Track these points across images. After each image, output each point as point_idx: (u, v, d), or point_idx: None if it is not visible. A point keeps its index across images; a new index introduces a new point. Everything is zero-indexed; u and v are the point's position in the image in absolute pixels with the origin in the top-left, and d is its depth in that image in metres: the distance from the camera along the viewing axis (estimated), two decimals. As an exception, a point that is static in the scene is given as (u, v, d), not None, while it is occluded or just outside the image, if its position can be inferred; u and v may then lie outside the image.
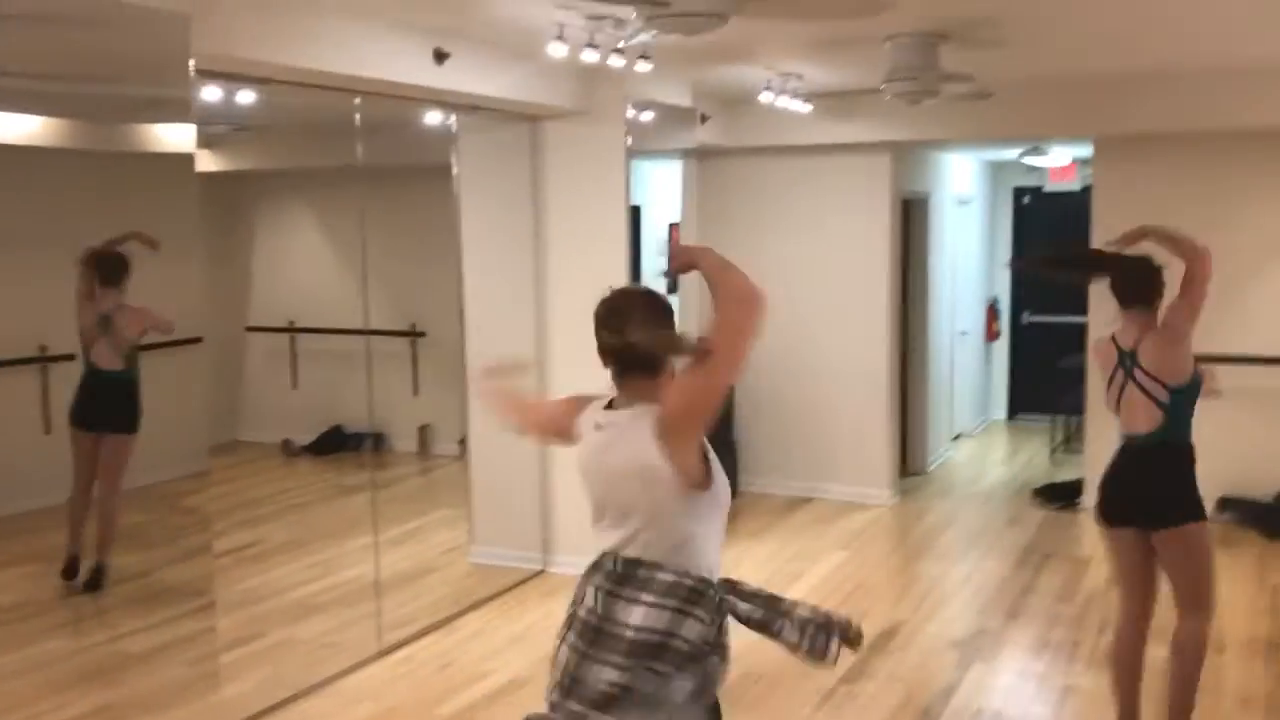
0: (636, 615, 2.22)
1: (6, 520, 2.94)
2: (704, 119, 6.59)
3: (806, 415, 7.46)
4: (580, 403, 2.53)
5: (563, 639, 2.35)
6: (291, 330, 7.92)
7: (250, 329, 8.00)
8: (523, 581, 5.78)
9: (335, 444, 8.22)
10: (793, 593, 5.49)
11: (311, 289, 7.96)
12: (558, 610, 5.13)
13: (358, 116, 4.81)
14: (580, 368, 5.75)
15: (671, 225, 9.20)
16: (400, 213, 7.24)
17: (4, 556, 2.96)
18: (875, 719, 4.21)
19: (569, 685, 2.25)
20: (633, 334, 2.33)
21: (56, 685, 4.17)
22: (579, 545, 5.74)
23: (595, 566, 2.38)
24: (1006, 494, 7.77)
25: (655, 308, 2.42)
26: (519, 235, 5.91)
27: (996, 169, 10.13)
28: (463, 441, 7.42)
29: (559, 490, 5.91)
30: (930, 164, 8.28)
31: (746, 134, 7.03)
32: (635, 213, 6.75)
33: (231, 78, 3.69)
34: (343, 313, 7.93)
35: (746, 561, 6.11)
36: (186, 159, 3.42)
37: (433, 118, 5.54)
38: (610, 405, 2.44)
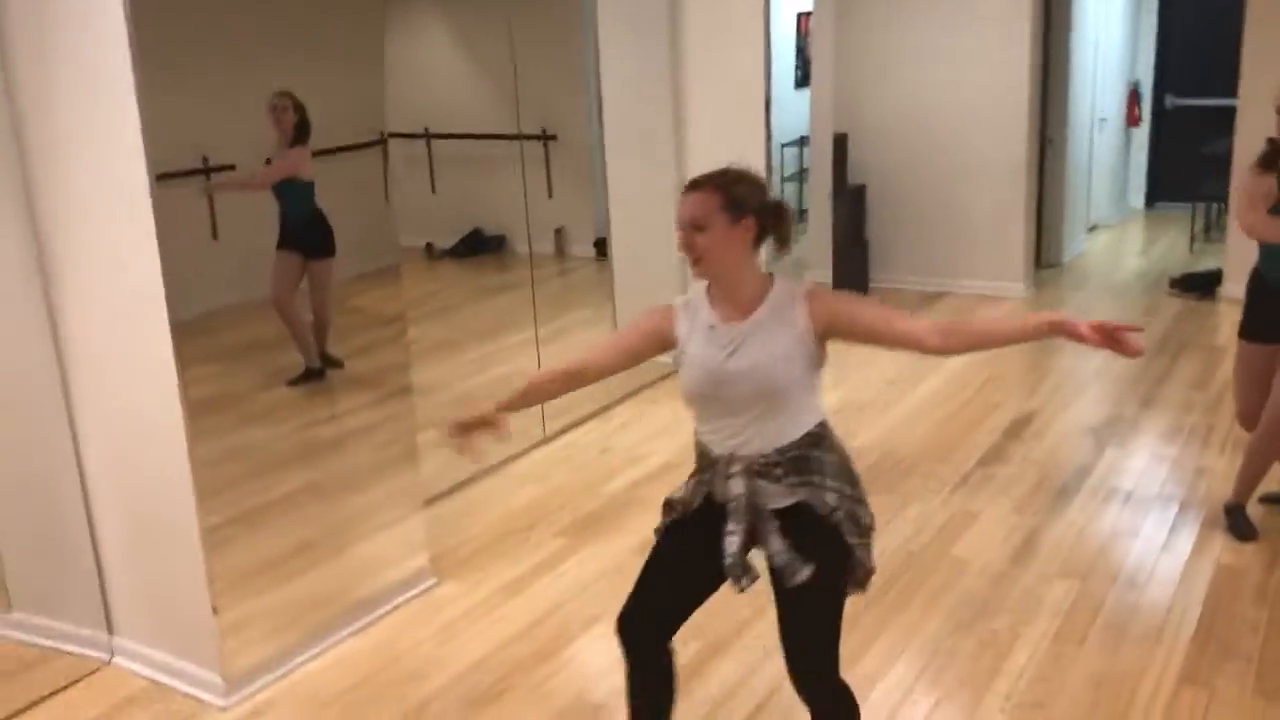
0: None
1: (187, 323, 3.27)
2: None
3: (940, 208, 7.47)
4: (666, 312, 2.48)
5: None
6: (428, 136, 8.14)
7: (390, 135, 8.26)
8: (665, 377, 6.09)
9: (475, 247, 8.56)
10: (925, 387, 5.71)
11: (445, 94, 8.12)
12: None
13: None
14: (715, 153, 5.90)
15: (801, 15, 9.02)
16: (530, 16, 7.29)
17: (193, 356, 3.30)
18: (1012, 499, 4.44)
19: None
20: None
21: (262, 468, 4.67)
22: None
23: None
24: (1144, 284, 7.73)
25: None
26: (654, 34, 5.94)
27: (1145, -55, 9.58)
28: (598, 244, 7.67)
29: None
30: (1075, -58, 7.91)
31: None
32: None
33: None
34: (477, 118, 8.12)
35: (880, 359, 6.29)
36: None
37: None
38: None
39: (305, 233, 4.71)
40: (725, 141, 5.90)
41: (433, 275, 8.49)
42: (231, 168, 3.49)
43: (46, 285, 3.22)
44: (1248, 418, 4.06)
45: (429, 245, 8.54)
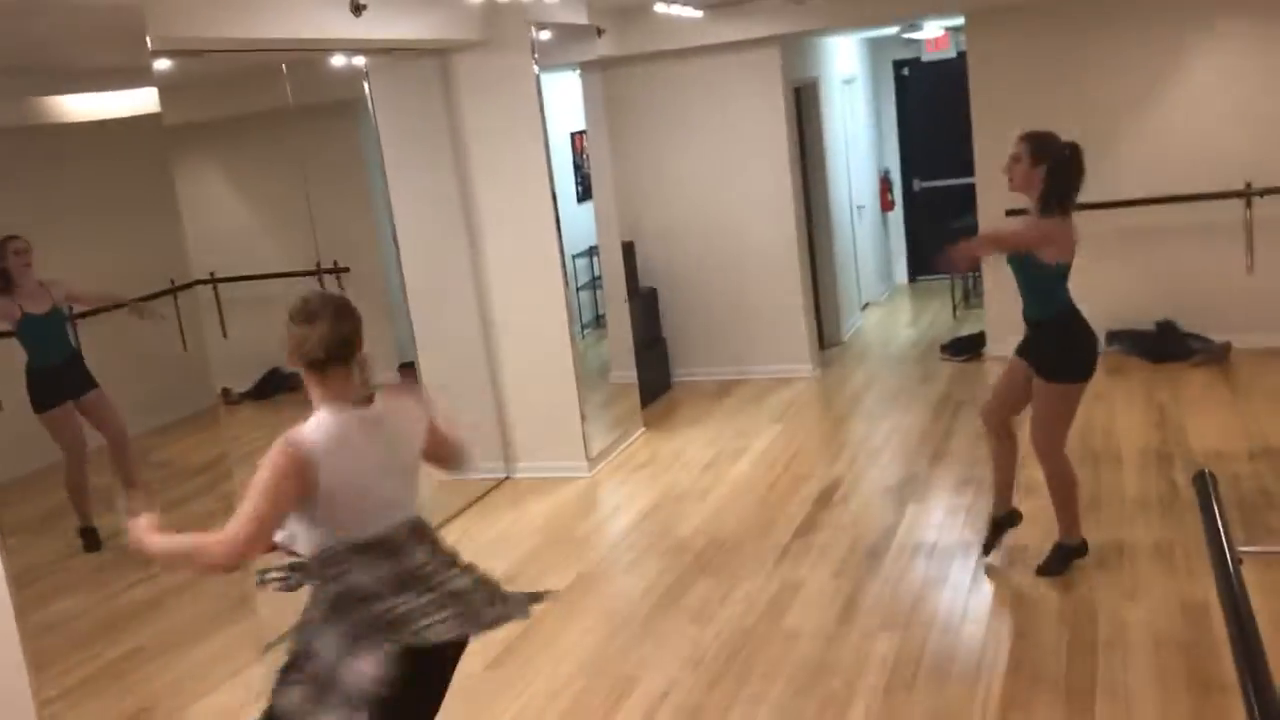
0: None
1: None
2: (601, 32, 6.84)
3: (727, 303, 7.92)
4: (302, 456, 2.45)
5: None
6: (214, 280, 8.07)
7: (178, 287, 8.16)
8: (490, 490, 6.19)
9: (274, 386, 8.46)
10: (737, 469, 6.03)
11: (228, 236, 8.08)
12: (529, 510, 5.48)
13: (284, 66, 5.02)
14: (515, 288, 6.11)
15: (574, 134, 9.46)
16: (313, 153, 7.39)
17: None
18: (830, 564, 4.74)
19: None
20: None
21: (85, 637, 4.50)
22: (536, 450, 6.15)
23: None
24: (917, 352, 8.37)
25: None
26: (441, 164, 6.16)
27: (876, 45, 10.54)
28: (402, 368, 7.74)
29: (512, 400, 6.31)
30: (815, 50, 8.65)
31: (643, 41, 7.31)
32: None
33: (182, 53, 3.92)
34: (264, 257, 8.11)
35: (692, 447, 6.60)
36: (155, 118, 3.69)
37: (338, 60, 5.71)
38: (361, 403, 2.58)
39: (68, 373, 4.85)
40: (521, 258, 6.16)
41: (234, 420, 8.34)
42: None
43: None
44: (986, 415, 4.54)
45: (225, 390, 8.39)
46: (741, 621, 4.30)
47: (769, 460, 6.20)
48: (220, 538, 2.41)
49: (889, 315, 9.90)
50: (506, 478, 6.36)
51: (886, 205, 10.72)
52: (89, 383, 5.33)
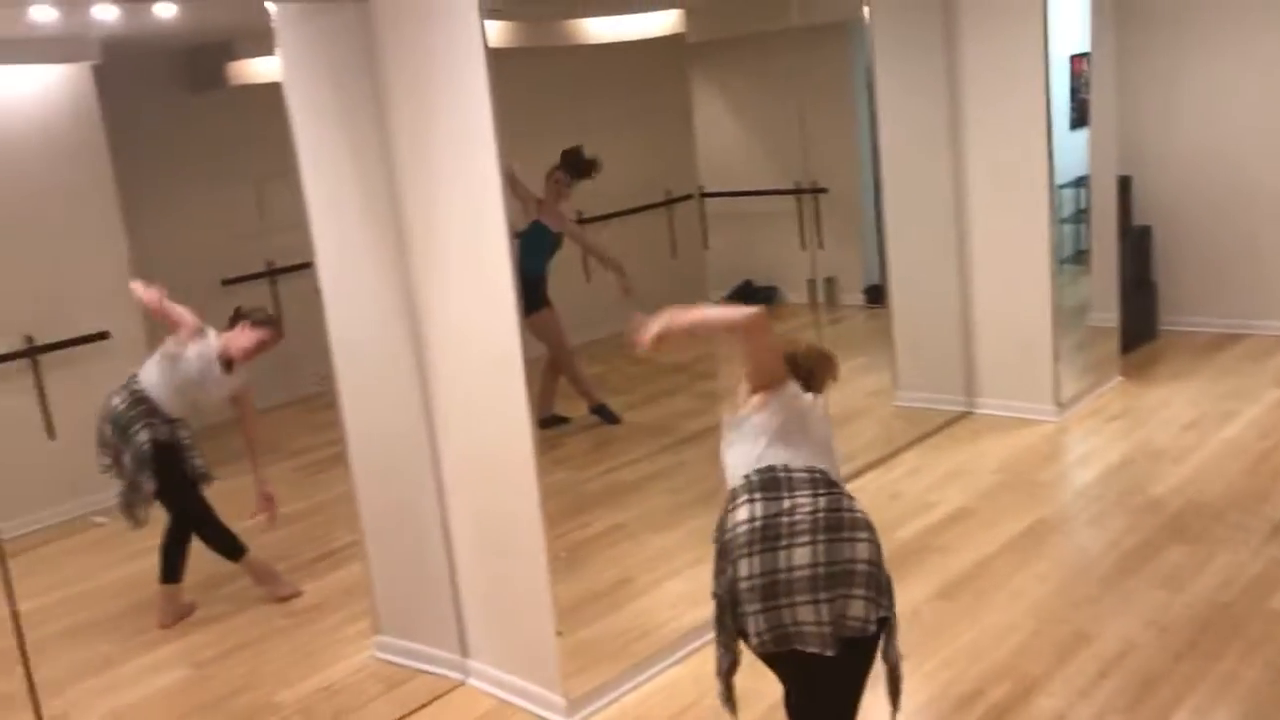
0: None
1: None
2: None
3: (1234, 248, 7.19)
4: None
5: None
6: (701, 195, 8.54)
7: (672, 200, 8.74)
8: (949, 423, 6.16)
9: (746, 298, 8.87)
10: (1226, 433, 5.54)
11: (714, 153, 8.51)
12: (989, 449, 5.47)
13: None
14: (995, 217, 5.95)
15: (1074, 57, 8.91)
16: (801, 77, 7.56)
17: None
18: (1331, 550, 4.28)
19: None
20: None
21: (574, 508, 5.09)
22: (1002, 388, 6.05)
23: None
24: None
25: None
26: (933, 86, 6.08)
27: None
28: (868, 291, 7.80)
29: (981, 334, 6.20)
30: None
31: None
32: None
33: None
34: (744, 175, 8.45)
35: (1174, 402, 6.14)
36: (678, 39, 4.00)
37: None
38: None
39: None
40: (1005, 186, 5.97)
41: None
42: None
43: (416, 327, 3.69)
44: None
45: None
46: (1218, 595, 4.02)
47: (1265, 427, 5.63)
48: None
49: None
50: (967, 412, 6.28)
51: None
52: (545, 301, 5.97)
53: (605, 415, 6.20)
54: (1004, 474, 5.38)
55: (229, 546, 4.65)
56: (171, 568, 4.59)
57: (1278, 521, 4.56)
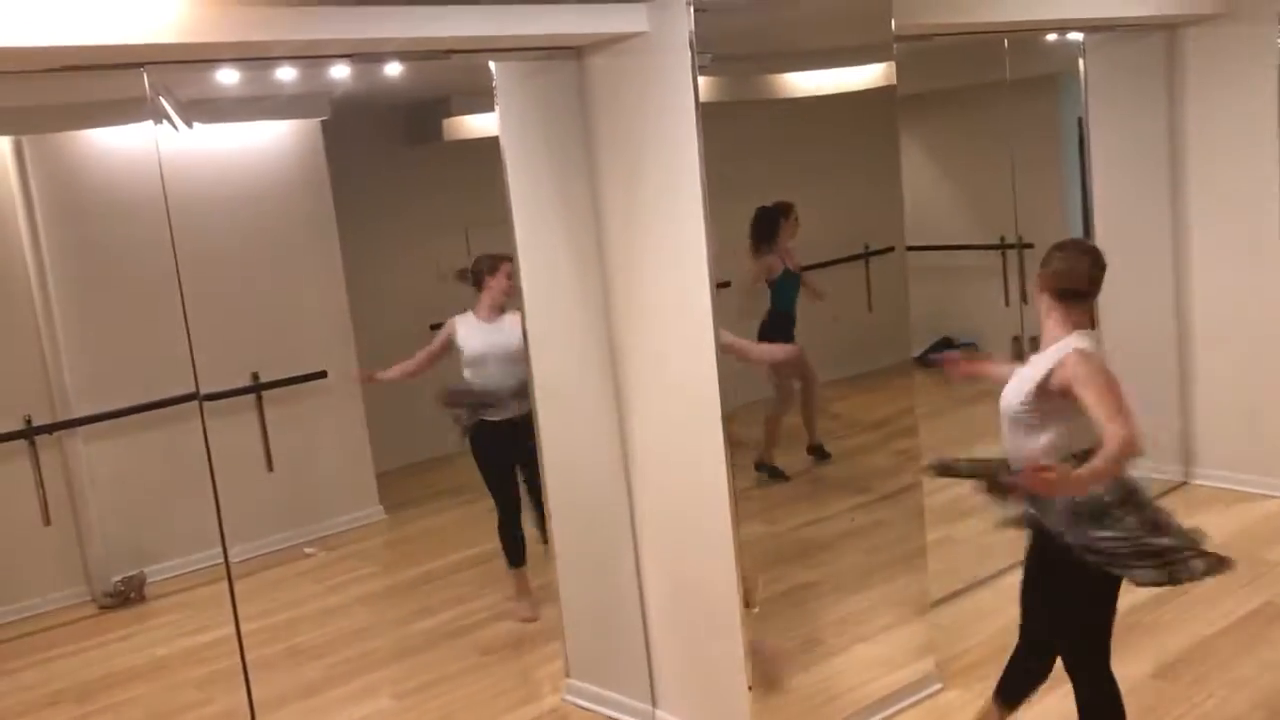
0: None
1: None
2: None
3: None
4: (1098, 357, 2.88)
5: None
6: (904, 249, 8.40)
7: (871, 253, 8.64)
8: (1164, 493, 5.82)
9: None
10: None
11: (919, 207, 8.36)
12: (1209, 522, 5.15)
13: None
14: (1223, 275, 5.63)
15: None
16: (1001, 129, 7.35)
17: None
18: None
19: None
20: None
21: (766, 560, 5.02)
22: (1225, 458, 5.68)
23: None
24: None
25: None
26: (1153, 141, 5.83)
27: None
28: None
29: (1201, 399, 5.86)
30: None
31: None
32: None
33: (917, 37, 4.19)
34: (948, 229, 8.27)
35: None
36: (889, 90, 3.99)
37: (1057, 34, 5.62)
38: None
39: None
40: (1233, 246, 5.64)
41: (905, 381, 8.67)
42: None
43: (617, 375, 3.74)
44: None
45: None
46: None
47: None
48: (1116, 436, 2.67)
49: None
50: (1184, 482, 5.91)
51: None
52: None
53: (819, 455, 6.18)
54: (1228, 551, 5.02)
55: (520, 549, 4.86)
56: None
57: None
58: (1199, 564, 2.92)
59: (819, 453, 6.21)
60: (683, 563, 3.69)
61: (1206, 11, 5.34)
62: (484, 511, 6.10)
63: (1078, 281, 2.92)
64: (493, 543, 5.37)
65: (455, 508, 5.12)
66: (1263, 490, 5.65)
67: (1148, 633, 4.29)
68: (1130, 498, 2.87)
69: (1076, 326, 2.92)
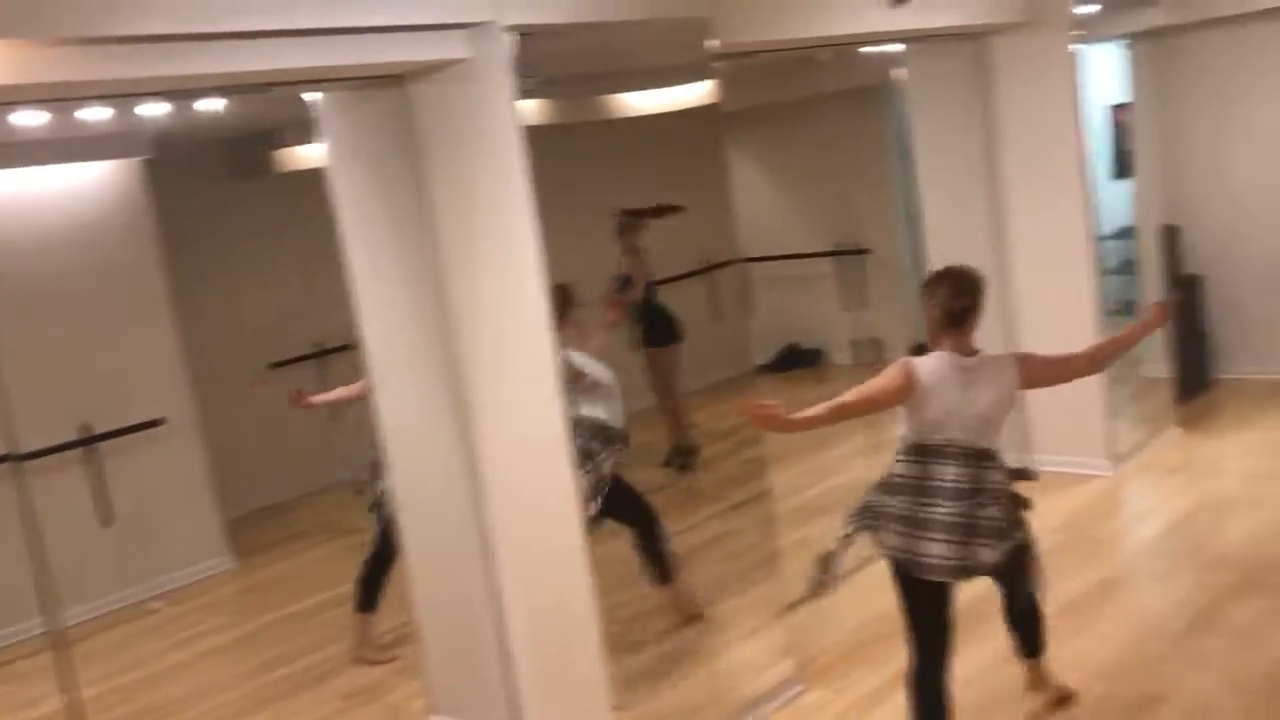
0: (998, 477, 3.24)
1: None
2: (1153, 1, 6.38)
3: (1290, 295, 7.07)
4: (911, 366, 3.21)
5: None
6: (743, 260, 8.56)
7: (712, 266, 8.79)
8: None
9: (791, 361, 8.86)
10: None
11: (756, 219, 8.55)
12: (1045, 506, 5.35)
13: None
14: (1040, 272, 5.89)
15: (1114, 107, 8.91)
16: (838, 142, 7.58)
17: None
18: None
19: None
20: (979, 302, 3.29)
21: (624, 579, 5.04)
22: (1054, 443, 5.93)
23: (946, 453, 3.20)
24: None
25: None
26: (969, 145, 6.07)
27: None
28: (915, 350, 7.73)
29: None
30: None
31: (1202, 8, 6.68)
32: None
33: (739, 55, 4.28)
34: (787, 239, 8.48)
35: (1235, 452, 6.01)
36: (712, 108, 4.06)
37: (874, 47, 5.82)
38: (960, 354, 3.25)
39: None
40: (1047, 239, 5.93)
41: (754, 390, 8.83)
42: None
43: (464, 403, 3.69)
44: None
45: (748, 362, 8.92)
46: (1297, 652, 3.89)
47: (1336, 474, 5.49)
48: (839, 399, 3.18)
49: None
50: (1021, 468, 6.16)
51: None
52: None
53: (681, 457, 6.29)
54: (1063, 532, 5.27)
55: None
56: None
57: (1353, 572, 4.42)
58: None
59: (681, 454, 6.28)
60: (540, 588, 3.66)
61: (1010, 21, 5.61)
62: (340, 551, 5.96)
63: (931, 310, 3.28)
64: (349, 584, 5.27)
65: (310, 549, 4.99)
66: (1090, 471, 5.93)
67: (993, 619, 4.45)
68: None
69: (941, 346, 3.26)
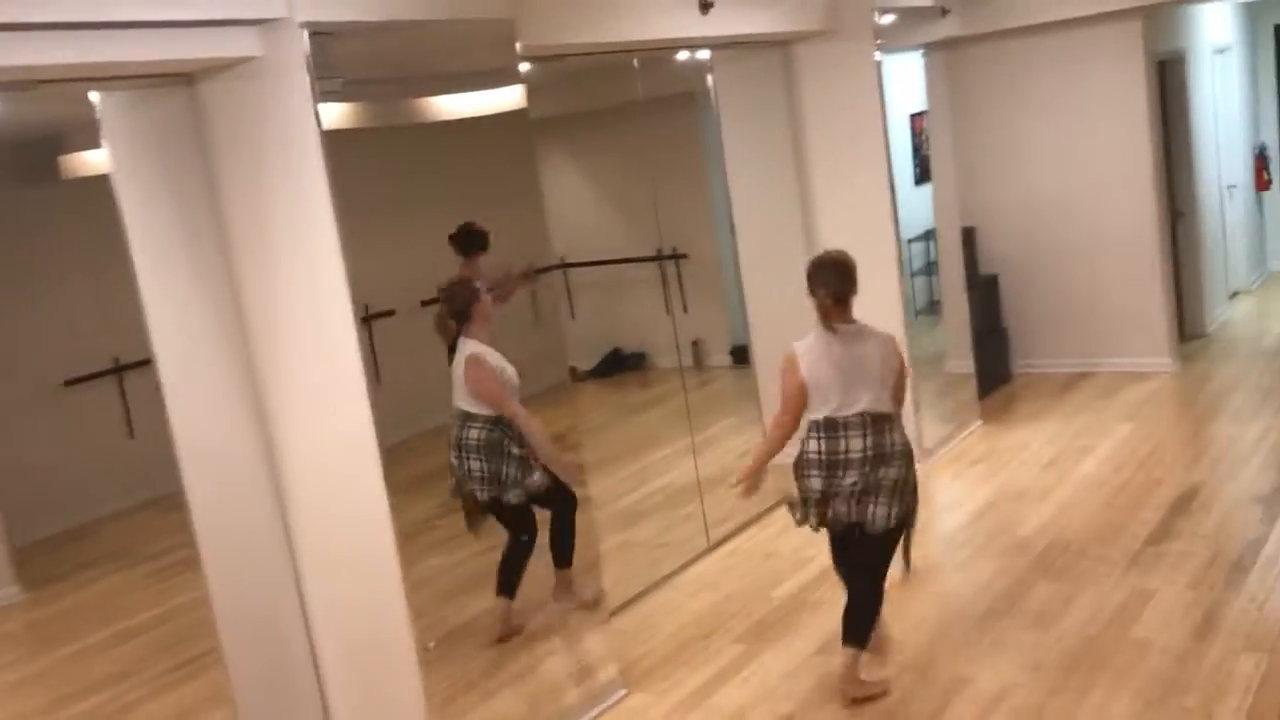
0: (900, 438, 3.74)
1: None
2: (945, 13, 6.66)
3: (1076, 291, 7.51)
4: (795, 360, 3.74)
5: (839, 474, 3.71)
6: (564, 265, 8.55)
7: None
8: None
9: (615, 366, 8.89)
10: (1083, 469, 5.72)
11: (574, 226, 8.55)
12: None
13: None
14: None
15: (914, 116, 9.28)
16: (655, 147, 7.64)
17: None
18: (1186, 575, 4.42)
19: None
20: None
21: (449, 592, 4.93)
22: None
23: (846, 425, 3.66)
24: (1296, 348, 7.59)
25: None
26: (779, 151, 6.22)
27: (1254, 10, 9.59)
28: (734, 352, 7.87)
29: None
30: (1183, 18, 7.99)
31: (992, 19, 7.04)
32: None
33: (546, 58, 4.24)
34: (607, 244, 8.50)
35: (1033, 442, 6.32)
36: (521, 114, 4.01)
37: (684, 54, 5.88)
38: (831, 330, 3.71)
39: None
40: (855, 242, 6.08)
41: (580, 396, 8.83)
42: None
43: (263, 416, 3.55)
44: None
45: (572, 369, 8.90)
46: (1086, 629, 4.10)
47: (1118, 461, 5.84)
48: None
49: (1262, 305, 9.02)
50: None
51: (1262, 185, 9.73)
52: None
53: None
54: (875, 524, 5.43)
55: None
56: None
57: (1135, 551, 4.70)
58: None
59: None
60: (352, 611, 3.54)
61: (814, 29, 5.77)
62: (139, 579, 5.62)
63: (818, 296, 3.74)
64: (150, 611, 4.98)
65: (105, 577, 4.68)
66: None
67: (808, 612, 4.56)
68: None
69: (829, 325, 3.73)
